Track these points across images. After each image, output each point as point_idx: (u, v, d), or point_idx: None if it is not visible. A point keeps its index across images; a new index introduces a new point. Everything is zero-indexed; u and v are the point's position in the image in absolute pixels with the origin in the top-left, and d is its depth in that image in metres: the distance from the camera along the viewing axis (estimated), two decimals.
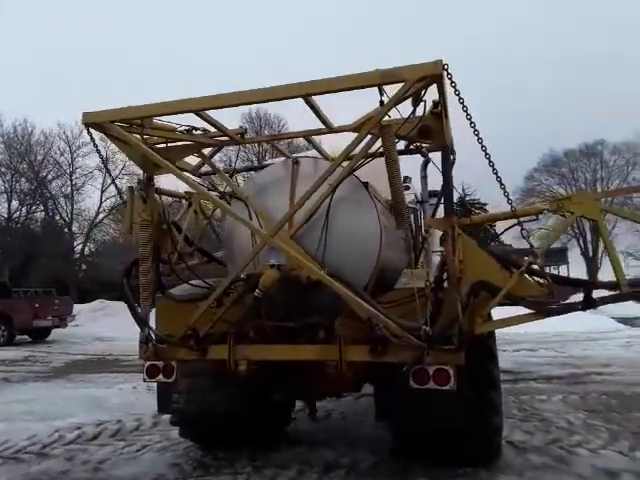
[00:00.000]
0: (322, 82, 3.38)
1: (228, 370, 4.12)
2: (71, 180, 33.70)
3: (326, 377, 4.23)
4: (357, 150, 3.69)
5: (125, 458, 5.12)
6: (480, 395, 4.15)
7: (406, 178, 7.00)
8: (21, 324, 15.40)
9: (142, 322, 4.30)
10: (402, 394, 4.07)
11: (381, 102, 3.43)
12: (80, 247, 33.90)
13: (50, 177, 32.95)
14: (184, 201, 5.55)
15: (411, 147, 4.54)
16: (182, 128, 4.34)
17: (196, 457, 5.09)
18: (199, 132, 4.41)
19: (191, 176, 4.43)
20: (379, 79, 3.28)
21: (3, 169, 31.66)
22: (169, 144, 4.40)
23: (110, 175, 31.50)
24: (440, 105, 3.66)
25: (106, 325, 21.68)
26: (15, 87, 44.32)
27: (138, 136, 4.16)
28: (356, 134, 4.07)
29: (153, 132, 4.18)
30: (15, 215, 32.38)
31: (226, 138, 4.44)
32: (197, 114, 3.86)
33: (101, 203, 33.58)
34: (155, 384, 8.77)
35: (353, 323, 3.90)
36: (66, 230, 34.11)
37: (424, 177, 6.75)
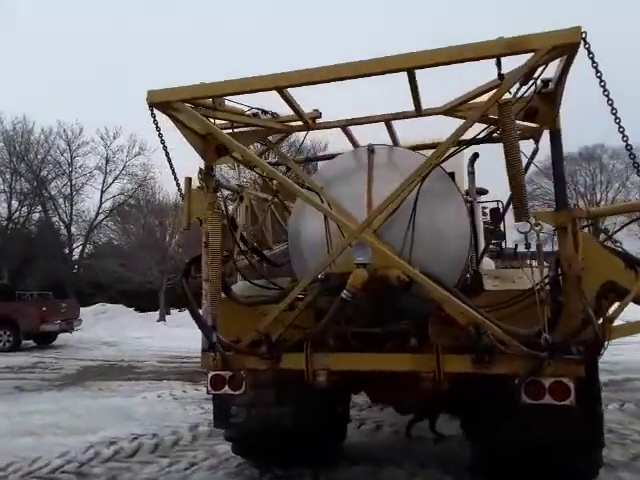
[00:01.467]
0: (431, 53, 2.96)
1: (306, 381, 3.69)
2: (70, 180, 33.08)
3: (413, 389, 3.81)
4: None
5: (177, 478, 4.64)
6: (589, 408, 3.72)
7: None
8: (28, 328, 14.79)
9: (206, 327, 3.84)
10: (496, 408, 3.66)
11: (500, 75, 3.00)
12: (79, 249, 33.19)
13: (50, 177, 32.24)
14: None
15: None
16: (250, 111, 3.91)
17: (253, 476, 4.65)
18: (267, 116, 3.99)
19: (266, 165, 3.93)
20: (503, 48, 2.86)
21: (2, 168, 30.95)
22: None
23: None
24: (556, 83, 3.25)
25: (109, 329, 21.19)
26: (15, 84, 43.41)
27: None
28: (446, 117, 3.70)
29: (221, 115, 3.73)
30: (15, 215, 31.68)
31: (296, 123, 4.00)
32: (281, 93, 3.41)
33: (101, 204, 32.97)
34: (182, 393, 8.53)
35: (448, 330, 3.47)
36: (65, 231, 33.41)
37: (471, 173, 6.30)
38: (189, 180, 4.17)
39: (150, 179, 32.92)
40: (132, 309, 27.71)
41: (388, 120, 4.13)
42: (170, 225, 28.55)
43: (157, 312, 27.46)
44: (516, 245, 6.04)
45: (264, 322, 3.72)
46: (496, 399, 3.55)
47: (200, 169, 4.10)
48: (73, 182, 32.85)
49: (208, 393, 3.96)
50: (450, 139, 3.10)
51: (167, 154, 3.91)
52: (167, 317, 25.79)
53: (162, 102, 3.49)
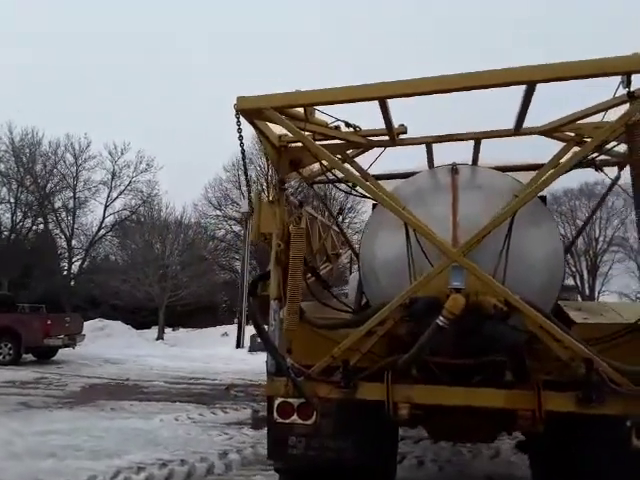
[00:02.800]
0: (553, 67, 2.77)
1: (386, 413, 3.40)
2: (74, 193, 32.81)
3: (498, 426, 3.53)
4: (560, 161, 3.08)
5: None
6: None
7: None
8: (30, 342, 14.23)
9: (276, 350, 3.55)
10: (595, 451, 3.39)
11: (630, 94, 2.81)
12: (79, 262, 32.69)
13: (55, 190, 31.93)
14: None
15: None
16: (334, 123, 3.72)
17: None
18: (349, 129, 3.79)
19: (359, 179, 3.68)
20: (636, 65, 2.67)
21: (9, 179, 30.61)
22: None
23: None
24: None
25: (109, 346, 20.62)
26: (25, 96, 43.28)
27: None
28: (544, 137, 3.51)
29: (309, 126, 3.52)
30: (18, 226, 31.26)
31: (379, 138, 3.80)
32: (382, 104, 3.21)
33: (104, 218, 32.65)
34: (200, 417, 8.14)
35: (550, 364, 3.22)
36: (65, 244, 32.96)
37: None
38: (259, 193, 3.96)
39: (155, 195, 32.86)
40: (129, 327, 27.15)
41: (479, 138, 3.94)
42: (171, 243, 28.34)
43: (153, 329, 27.01)
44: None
45: (341, 348, 3.45)
46: (595, 441, 3.29)
47: (274, 184, 3.91)
48: (77, 195, 32.62)
49: (275, 422, 3.64)
50: (573, 159, 2.90)
51: (245, 164, 3.71)
52: (165, 336, 25.27)
53: (252, 109, 3.28)
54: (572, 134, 3.43)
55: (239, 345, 21.16)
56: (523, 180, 3.70)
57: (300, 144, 3.83)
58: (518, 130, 3.60)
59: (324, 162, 3.66)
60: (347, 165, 3.79)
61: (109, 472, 5.20)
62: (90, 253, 33.36)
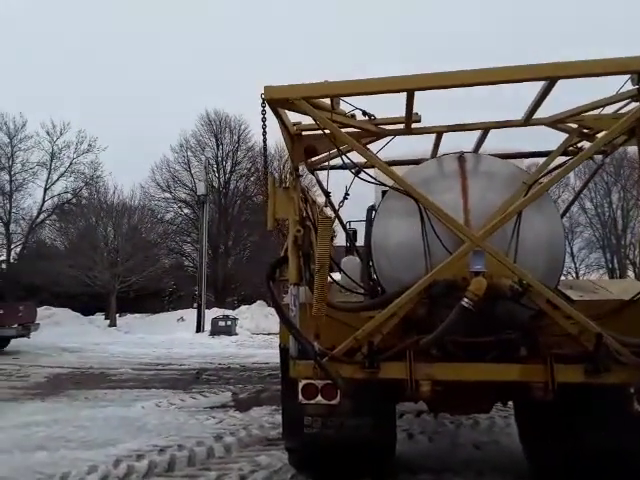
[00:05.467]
0: (579, 64, 2.99)
1: (408, 391, 3.59)
2: (10, 176, 31.02)
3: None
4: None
5: None
6: None
7: None
8: None
9: (300, 333, 3.66)
10: (598, 416, 3.74)
11: None
12: (19, 249, 31.08)
13: None
14: None
15: None
16: (350, 112, 3.80)
17: None
18: (364, 118, 3.89)
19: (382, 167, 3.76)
20: None
21: None
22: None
23: None
24: None
25: (61, 334, 19.96)
26: None
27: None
28: (550, 129, 3.75)
29: (327, 115, 3.59)
30: None
31: (393, 127, 3.93)
32: (409, 96, 3.33)
33: (43, 202, 31.13)
34: (181, 402, 8.12)
35: (560, 339, 3.51)
36: (3, 230, 31.18)
37: None
38: (273, 179, 4.00)
39: (99, 178, 31.61)
40: (78, 314, 26.21)
41: (489, 128, 4.13)
42: (117, 227, 27.40)
43: (97, 316, 26.25)
44: None
45: (365, 330, 3.60)
46: (600, 407, 3.63)
47: (291, 171, 3.96)
48: (14, 178, 30.86)
49: (300, 403, 3.75)
50: (591, 148, 3.13)
51: (265, 154, 3.74)
52: (118, 322, 24.64)
53: (280, 99, 3.32)
54: (575, 125, 3.68)
55: (199, 329, 20.98)
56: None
57: (314, 133, 3.91)
58: (528, 121, 3.82)
59: (342, 149, 3.74)
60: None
61: (109, 461, 5.16)
62: (30, 239, 31.80)
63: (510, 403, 5.11)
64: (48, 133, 30.79)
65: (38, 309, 24.50)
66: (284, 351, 4.28)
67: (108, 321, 24.83)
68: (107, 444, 5.76)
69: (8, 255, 31.05)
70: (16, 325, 14.16)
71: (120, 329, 23.53)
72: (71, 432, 6.30)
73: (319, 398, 3.74)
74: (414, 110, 3.75)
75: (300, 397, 3.75)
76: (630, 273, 29.89)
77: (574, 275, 30.48)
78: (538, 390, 3.46)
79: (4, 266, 29.55)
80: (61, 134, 30.74)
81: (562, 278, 4.44)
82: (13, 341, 15.31)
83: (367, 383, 3.72)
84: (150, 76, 52.25)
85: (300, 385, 3.75)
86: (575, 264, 31.92)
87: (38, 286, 28.55)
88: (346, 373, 3.64)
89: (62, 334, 19.80)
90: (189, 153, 35.90)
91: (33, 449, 5.62)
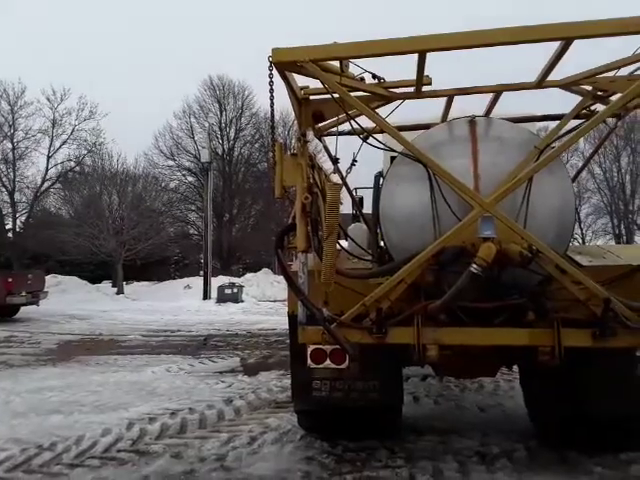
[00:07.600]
0: (593, 23, 2.90)
1: (415, 355, 3.63)
2: (13, 144, 30.83)
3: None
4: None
5: (247, 453, 4.50)
6: None
7: None
8: None
9: (308, 300, 3.67)
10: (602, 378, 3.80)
11: None
12: (24, 217, 31.13)
13: None
14: None
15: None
16: (360, 75, 3.73)
17: (325, 449, 4.55)
18: (373, 81, 3.82)
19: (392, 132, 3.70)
20: None
21: None
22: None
23: None
24: None
25: (70, 302, 20.24)
26: None
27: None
28: (564, 91, 3.67)
29: (338, 78, 3.52)
30: None
31: (402, 90, 3.85)
32: (421, 57, 3.26)
33: (47, 170, 31.00)
34: (190, 367, 8.27)
35: (568, 304, 3.51)
36: (7, 199, 31.17)
37: None
38: (280, 146, 3.95)
39: (101, 145, 31.34)
40: (85, 282, 26.51)
41: (501, 91, 4.05)
42: (122, 195, 27.36)
43: (104, 284, 26.57)
44: None
45: (373, 296, 3.61)
46: (605, 371, 3.67)
47: (299, 137, 3.90)
48: (17, 146, 30.66)
49: (309, 368, 3.82)
50: (606, 111, 3.08)
51: (272, 117, 3.68)
52: (125, 290, 24.91)
53: (288, 61, 3.25)
54: (589, 88, 3.60)
55: (206, 297, 21.19)
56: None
57: (321, 97, 3.85)
58: (540, 83, 3.73)
59: (350, 114, 3.68)
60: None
61: (122, 424, 5.29)
62: (35, 207, 31.82)
63: (515, 367, 5.17)
64: (48, 99, 30.40)
65: (46, 277, 24.97)
66: (293, 318, 4.32)
67: (115, 289, 25.09)
68: (119, 408, 5.90)
69: (14, 224, 31.20)
70: (25, 293, 14.33)
71: (128, 296, 23.81)
72: (84, 396, 6.45)
73: (328, 362, 3.80)
74: (425, 73, 3.66)
75: (309, 361, 3.81)
76: (637, 238, 29.86)
77: (580, 241, 30.38)
78: (544, 354, 3.49)
79: (10, 235, 29.63)
80: (62, 100, 30.32)
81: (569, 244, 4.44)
82: (23, 309, 15.58)
83: (375, 348, 3.77)
84: (152, 44, 51.20)
85: (309, 350, 3.80)
86: (582, 230, 31.89)
87: (44, 255, 28.87)
88: (354, 338, 3.67)
89: (70, 302, 20.08)
90: (192, 119, 35.64)
91: (48, 413, 5.77)
